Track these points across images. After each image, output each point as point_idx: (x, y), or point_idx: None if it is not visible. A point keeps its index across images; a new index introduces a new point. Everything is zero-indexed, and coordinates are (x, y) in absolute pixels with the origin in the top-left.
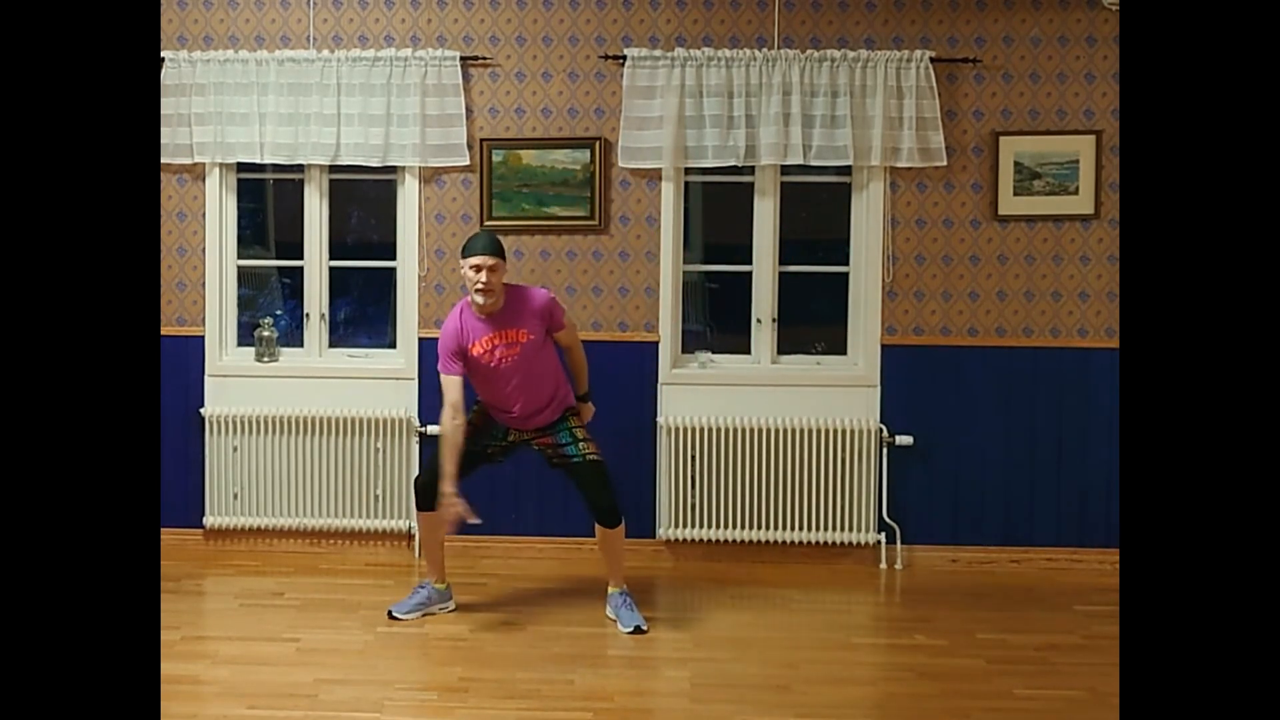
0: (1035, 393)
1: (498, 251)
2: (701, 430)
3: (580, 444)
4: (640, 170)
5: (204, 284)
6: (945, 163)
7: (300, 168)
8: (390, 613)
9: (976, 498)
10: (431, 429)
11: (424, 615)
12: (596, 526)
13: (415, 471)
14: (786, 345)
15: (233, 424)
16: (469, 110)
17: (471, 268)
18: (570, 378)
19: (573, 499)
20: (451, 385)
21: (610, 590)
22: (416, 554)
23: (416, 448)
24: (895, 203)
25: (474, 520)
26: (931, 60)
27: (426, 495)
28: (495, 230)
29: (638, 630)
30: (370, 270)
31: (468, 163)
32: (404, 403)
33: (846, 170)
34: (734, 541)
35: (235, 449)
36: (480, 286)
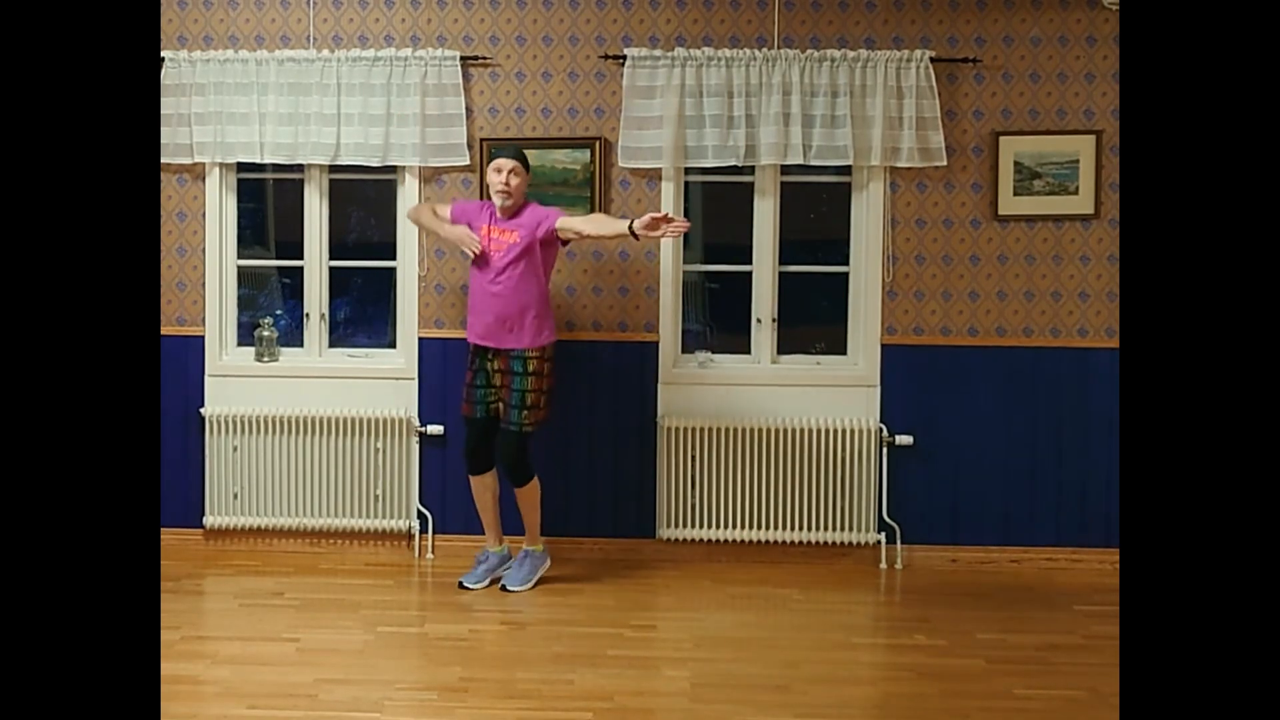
0: (1035, 393)
1: (519, 159)
2: (701, 430)
3: (526, 412)
4: (640, 170)
5: (204, 284)
6: (945, 163)
7: (300, 168)
8: (461, 583)
9: (976, 498)
10: (431, 429)
11: (491, 583)
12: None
13: (415, 471)
14: (786, 345)
15: (233, 424)
16: (469, 110)
17: (494, 170)
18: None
19: (573, 499)
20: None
21: (525, 546)
22: (417, 553)
23: (416, 448)
24: (895, 203)
25: (475, 249)
26: (931, 60)
27: (473, 460)
28: None
29: (504, 589)
30: (370, 270)
31: (468, 162)
32: (404, 403)
33: (846, 170)
34: (734, 541)
35: (235, 449)
36: (500, 188)
